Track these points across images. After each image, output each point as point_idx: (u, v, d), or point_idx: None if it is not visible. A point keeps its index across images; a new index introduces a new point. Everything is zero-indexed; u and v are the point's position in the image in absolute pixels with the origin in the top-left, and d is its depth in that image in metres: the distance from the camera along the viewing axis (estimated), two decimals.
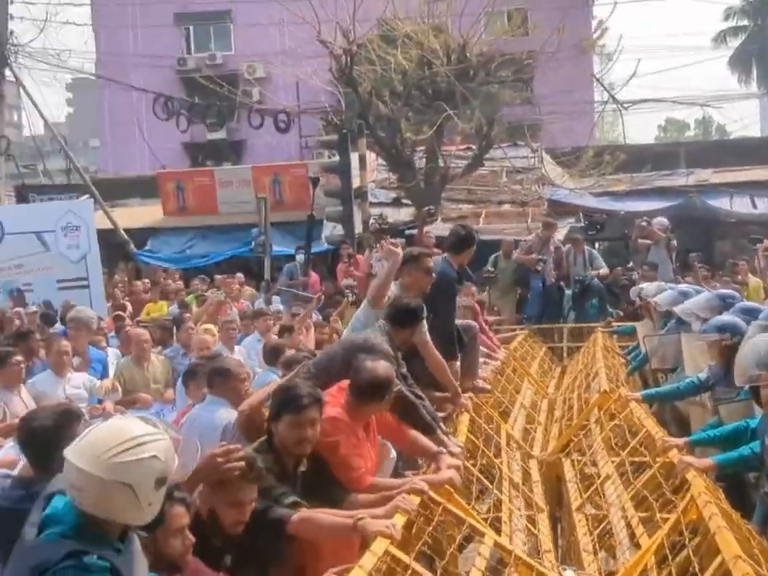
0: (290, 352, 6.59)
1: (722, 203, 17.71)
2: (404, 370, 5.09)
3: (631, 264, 13.55)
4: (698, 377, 6.01)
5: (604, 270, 12.96)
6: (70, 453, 2.47)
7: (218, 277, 13.64)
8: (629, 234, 14.59)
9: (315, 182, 14.43)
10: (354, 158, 14.99)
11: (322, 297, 10.62)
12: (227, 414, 4.74)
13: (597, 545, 4.57)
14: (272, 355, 6.76)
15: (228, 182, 19.70)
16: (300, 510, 3.48)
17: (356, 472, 3.94)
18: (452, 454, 4.49)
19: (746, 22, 45.77)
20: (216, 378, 5.02)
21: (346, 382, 4.25)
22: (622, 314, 12.51)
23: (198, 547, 3.06)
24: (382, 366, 4.24)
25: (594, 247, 15.28)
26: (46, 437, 3.23)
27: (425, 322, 5.55)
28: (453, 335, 6.35)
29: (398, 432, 4.54)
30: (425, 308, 5.36)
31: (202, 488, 3.33)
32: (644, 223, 13.03)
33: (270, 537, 3.38)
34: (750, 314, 5.71)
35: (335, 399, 4.14)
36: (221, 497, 3.27)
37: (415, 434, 4.57)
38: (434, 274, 6.02)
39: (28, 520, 2.50)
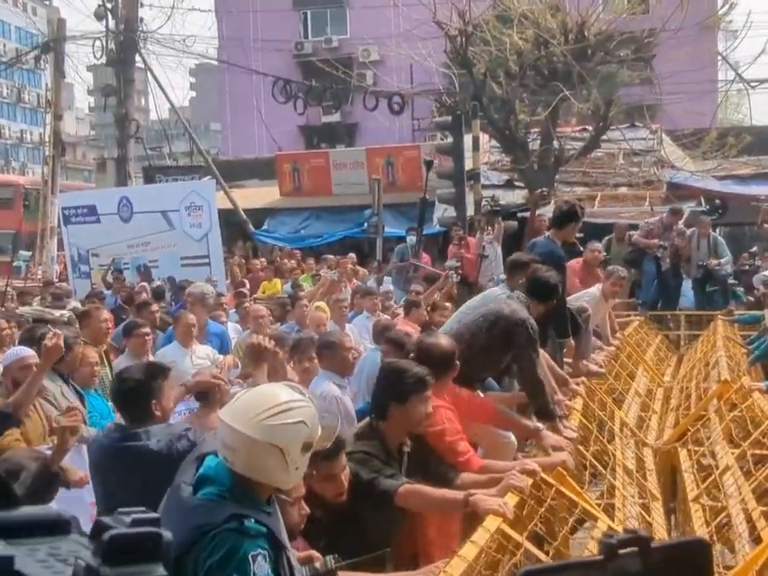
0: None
1: None
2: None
3: (755, 250, 13.01)
4: None
5: (726, 259, 12.48)
6: (224, 413, 2.58)
7: (330, 257, 13.84)
8: (754, 221, 13.99)
9: (429, 164, 14.40)
10: (468, 139, 14.88)
11: (452, 275, 10.62)
12: (331, 389, 5.02)
13: (714, 537, 4.46)
14: (381, 333, 6.85)
15: (342, 164, 19.98)
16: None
17: (463, 456, 3.95)
18: (568, 439, 4.45)
19: None
20: (324, 350, 5.28)
21: None
22: (745, 300, 12.06)
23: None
24: (443, 339, 4.32)
25: (715, 232, 14.73)
26: (134, 389, 3.64)
27: None
28: (566, 315, 6.29)
29: (481, 407, 4.53)
30: (560, 286, 5.33)
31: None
32: None
33: (377, 507, 3.41)
34: None
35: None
36: (316, 475, 3.28)
37: (503, 408, 4.56)
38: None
39: (180, 475, 2.55)
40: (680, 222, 12.83)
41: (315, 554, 2.97)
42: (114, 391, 3.91)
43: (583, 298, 7.51)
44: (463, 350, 4.46)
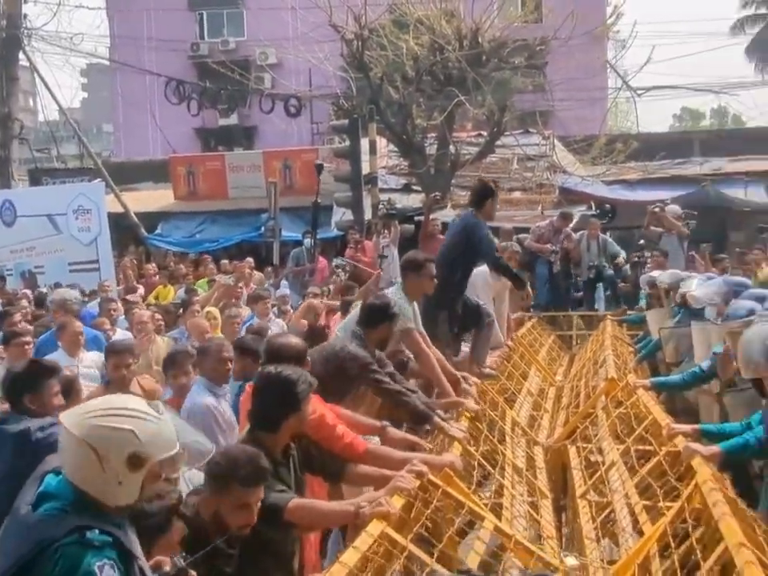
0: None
1: (736, 192, 17.54)
2: (390, 368, 5.13)
3: (642, 242, 13.34)
4: (699, 366, 5.95)
5: (622, 257, 12.84)
6: (63, 414, 2.48)
7: (224, 262, 13.60)
8: (641, 224, 14.41)
9: (320, 168, 14.39)
10: (365, 143, 14.92)
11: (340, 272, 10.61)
12: (205, 400, 4.97)
13: (600, 532, 4.53)
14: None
15: (239, 167, 19.70)
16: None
17: (346, 438, 3.92)
18: (453, 438, 4.45)
19: (764, 10, 45.33)
20: (200, 356, 5.25)
21: None
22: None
23: (200, 549, 3.03)
24: (292, 338, 4.41)
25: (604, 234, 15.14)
26: (17, 382, 4.15)
27: (405, 313, 5.62)
28: (507, 267, 7.10)
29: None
30: (391, 305, 5.33)
31: (205, 493, 3.29)
32: (656, 209, 12.90)
33: (269, 523, 3.31)
34: (760, 302, 5.63)
35: None
36: (227, 501, 3.20)
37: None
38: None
39: (21, 497, 2.46)
40: (570, 226, 13.17)
41: (164, 558, 2.86)
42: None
43: (475, 280, 7.59)
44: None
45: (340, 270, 10.81)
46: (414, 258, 6.27)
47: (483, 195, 7.01)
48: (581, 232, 13.16)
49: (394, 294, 5.93)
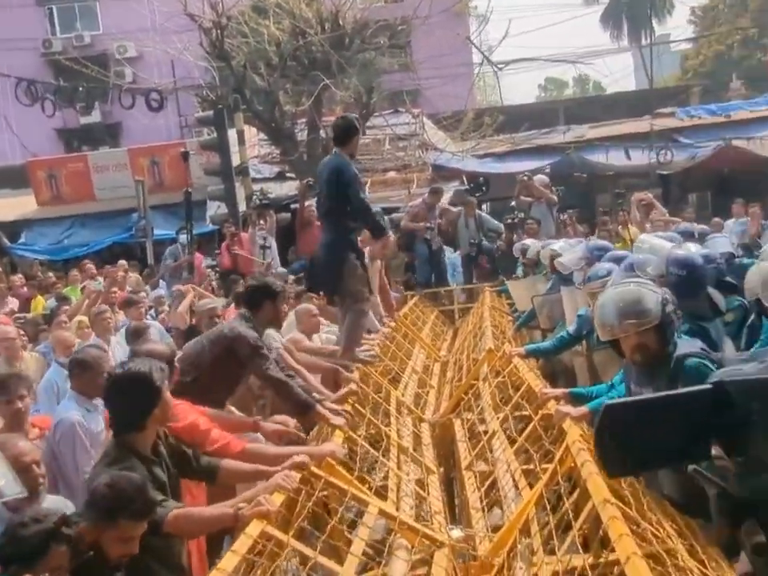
0: None
1: (598, 158, 18.19)
2: (275, 354, 5.16)
3: (513, 204, 13.61)
4: (567, 330, 6.15)
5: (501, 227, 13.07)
6: None
7: (90, 266, 13.07)
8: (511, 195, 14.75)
9: (186, 156, 14.12)
10: (233, 134, 14.66)
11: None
12: (70, 416, 4.74)
13: (484, 501, 4.63)
14: (134, 337, 6.58)
15: (104, 167, 19.05)
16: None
17: (221, 440, 3.90)
18: (334, 426, 4.45)
19: None
20: (74, 370, 4.96)
21: None
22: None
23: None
24: (159, 345, 4.44)
25: (480, 209, 15.42)
26: None
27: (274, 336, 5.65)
28: (372, 214, 6.76)
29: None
30: (270, 283, 5.33)
31: (86, 521, 3.17)
32: (525, 178, 13.24)
33: (147, 536, 3.20)
34: (618, 263, 5.85)
35: None
36: (112, 533, 3.10)
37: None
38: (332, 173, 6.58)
39: None
40: (442, 200, 13.35)
41: None
42: None
43: None
44: (190, 370, 4.52)
45: (211, 270, 10.67)
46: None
47: (347, 132, 6.79)
48: (458, 209, 13.38)
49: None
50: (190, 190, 13.68)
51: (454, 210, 13.33)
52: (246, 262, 11.85)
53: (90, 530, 3.11)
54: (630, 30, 46.40)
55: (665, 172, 17.31)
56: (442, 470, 5.98)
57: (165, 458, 3.59)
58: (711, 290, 5.07)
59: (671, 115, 20.66)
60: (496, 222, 13.32)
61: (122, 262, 13.92)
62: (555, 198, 13.09)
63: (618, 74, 60.57)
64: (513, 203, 13.36)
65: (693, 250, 5.55)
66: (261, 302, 5.15)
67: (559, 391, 4.88)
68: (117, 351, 7.08)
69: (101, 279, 11.27)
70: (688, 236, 7.46)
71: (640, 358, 3.82)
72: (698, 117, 20.35)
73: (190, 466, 3.68)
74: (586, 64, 26.07)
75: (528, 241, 10.48)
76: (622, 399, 0.95)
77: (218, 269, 11.39)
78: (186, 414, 3.85)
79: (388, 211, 12.92)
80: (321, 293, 7.75)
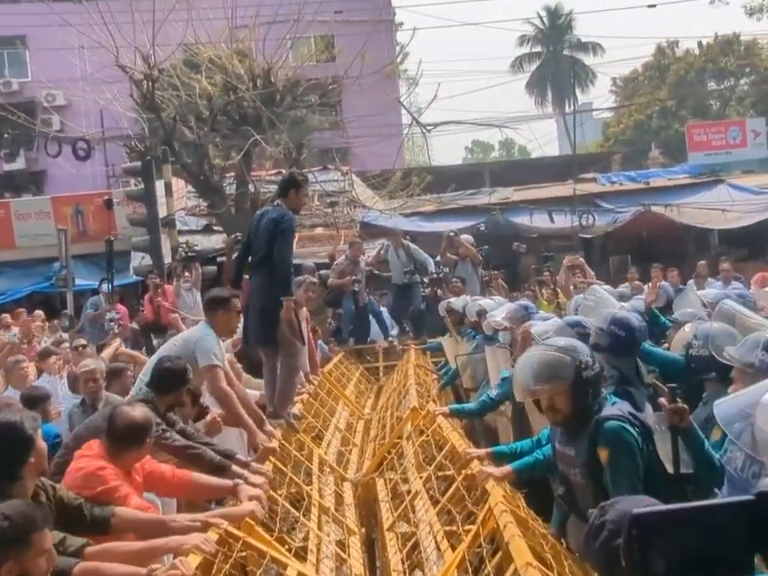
0: None
1: (522, 219, 18.62)
2: (180, 425, 5.01)
3: (438, 259, 13.73)
4: (488, 394, 6.19)
5: (432, 268, 13.07)
6: None
7: (5, 315, 12.67)
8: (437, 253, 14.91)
9: (109, 203, 13.98)
10: (160, 185, 14.55)
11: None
12: None
13: (406, 563, 4.57)
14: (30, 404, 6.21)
15: (26, 215, 18.67)
16: (84, 557, 3.25)
17: (120, 491, 3.78)
18: (253, 485, 4.35)
19: (539, 49, 48.82)
20: None
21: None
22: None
23: None
24: (139, 411, 4.16)
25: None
26: None
27: (211, 349, 5.61)
28: (290, 273, 6.78)
29: (175, 481, 4.32)
30: (187, 370, 5.19)
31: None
32: (451, 234, 13.42)
33: None
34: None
35: (94, 452, 4.03)
36: (29, 554, 2.95)
37: (197, 476, 4.40)
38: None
39: None
40: (363, 254, 13.39)
41: None
42: None
43: None
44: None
45: (114, 323, 10.55)
46: (219, 294, 6.27)
47: (286, 184, 7.02)
48: (385, 243, 13.44)
49: (202, 330, 5.85)
50: (112, 238, 13.48)
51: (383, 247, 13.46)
52: (168, 314, 11.65)
53: (10, 567, 2.97)
54: (554, 97, 48.10)
55: (587, 236, 17.80)
56: (363, 530, 5.91)
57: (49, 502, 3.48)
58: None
59: (593, 180, 21.35)
60: (425, 254, 13.31)
61: (39, 312, 13.56)
62: (480, 257, 13.29)
63: (543, 139, 62.47)
64: (438, 258, 13.51)
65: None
66: (172, 389, 5.03)
67: (482, 451, 4.88)
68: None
69: (15, 330, 10.92)
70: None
71: (553, 418, 3.89)
72: (618, 183, 21.08)
73: (80, 519, 3.54)
74: (512, 128, 26.82)
75: (453, 299, 10.56)
76: (650, 509, 0.94)
77: (120, 322, 11.19)
78: (110, 477, 3.75)
79: (320, 267, 12.95)
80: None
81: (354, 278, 12.62)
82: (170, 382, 5.03)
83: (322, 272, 12.72)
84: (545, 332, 5.54)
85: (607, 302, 6.25)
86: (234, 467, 4.62)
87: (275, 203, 7.11)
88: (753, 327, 4.60)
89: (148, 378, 5.27)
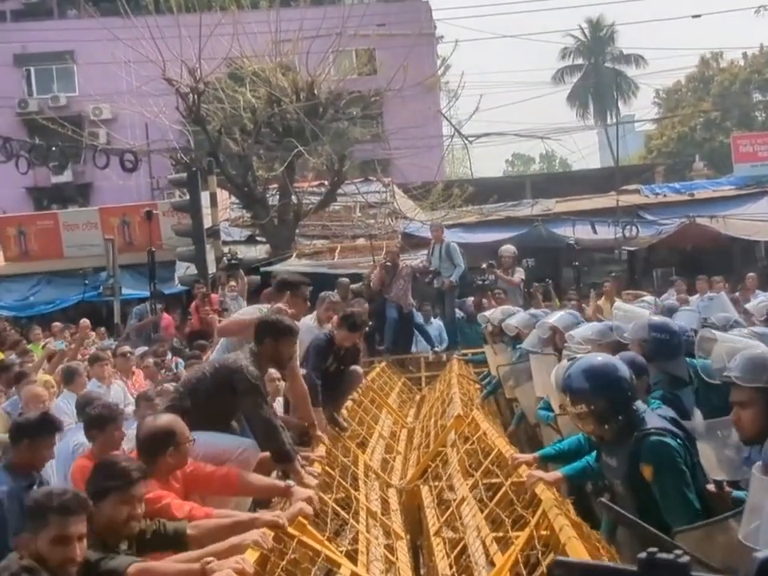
0: None
1: (565, 231, 18.50)
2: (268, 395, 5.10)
3: (485, 266, 13.70)
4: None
5: (456, 273, 12.97)
6: None
7: (56, 324, 12.92)
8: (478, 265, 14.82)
9: (149, 215, 14.23)
10: (205, 196, 14.76)
11: None
12: None
13: (454, 568, 4.58)
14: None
15: (74, 225, 19.03)
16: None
17: (184, 511, 3.78)
18: (305, 486, 4.40)
19: (581, 61, 48.61)
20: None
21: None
22: None
23: None
24: (162, 419, 4.16)
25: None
26: None
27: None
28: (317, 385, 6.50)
29: (222, 480, 4.30)
30: (280, 321, 5.29)
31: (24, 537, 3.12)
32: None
33: None
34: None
35: None
36: (43, 536, 3.03)
37: (248, 477, 4.39)
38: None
39: None
40: (404, 261, 13.35)
41: None
42: None
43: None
44: (190, 396, 4.55)
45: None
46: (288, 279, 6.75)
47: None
48: (431, 246, 13.47)
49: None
50: (153, 249, 13.71)
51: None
52: (212, 323, 11.79)
53: (27, 542, 3.06)
54: (595, 109, 47.82)
55: (631, 248, 17.65)
56: (408, 537, 5.92)
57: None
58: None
59: (636, 192, 21.16)
60: (460, 258, 13.11)
61: (85, 320, 13.80)
62: (517, 280, 13.22)
63: (584, 151, 62.19)
64: (484, 265, 13.48)
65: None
66: (263, 338, 5.11)
67: (530, 456, 4.87)
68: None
69: (63, 338, 11.13)
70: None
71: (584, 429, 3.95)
72: (662, 194, 20.86)
73: (161, 543, 3.56)
74: (554, 140, 26.67)
75: (489, 311, 10.48)
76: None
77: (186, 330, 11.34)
78: (159, 493, 3.82)
79: (356, 277, 12.98)
80: None
81: (430, 267, 12.62)
82: (260, 331, 5.13)
83: (353, 286, 12.73)
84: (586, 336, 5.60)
85: (636, 313, 6.25)
86: (296, 461, 4.69)
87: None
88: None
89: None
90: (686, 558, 0.89)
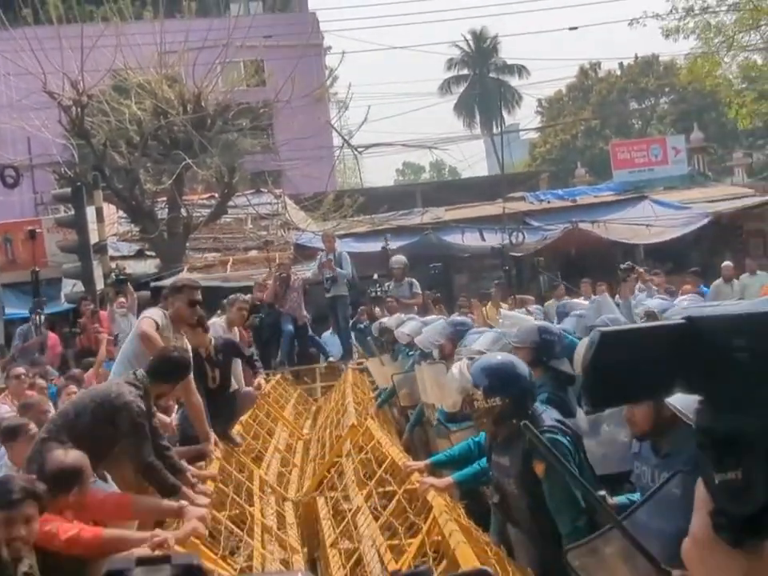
0: None
1: (455, 238, 18.90)
2: (153, 422, 5.00)
3: (376, 277, 13.83)
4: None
5: (346, 279, 13.03)
6: None
7: None
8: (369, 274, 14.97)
9: (33, 234, 13.86)
10: (91, 211, 14.39)
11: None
12: None
13: None
14: None
15: None
16: None
17: (80, 536, 3.72)
18: (198, 506, 4.39)
19: (466, 71, 49.72)
20: None
21: None
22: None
23: None
24: (71, 456, 4.06)
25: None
26: None
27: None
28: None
29: (114, 506, 4.28)
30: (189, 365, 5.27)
31: None
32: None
33: None
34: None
35: None
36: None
37: (140, 499, 4.38)
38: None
39: None
40: (295, 273, 13.36)
41: None
42: None
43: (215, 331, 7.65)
44: (68, 430, 4.37)
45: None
46: (174, 282, 6.52)
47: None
48: (320, 257, 13.50)
49: None
50: (37, 269, 13.32)
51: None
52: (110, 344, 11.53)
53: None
54: (482, 118, 48.96)
55: (517, 253, 18.17)
56: (305, 550, 5.97)
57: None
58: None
59: (522, 199, 21.82)
60: (349, 268, 13.15)
61: None
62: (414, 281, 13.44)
63: (472, 159, 63.54)
64: (376, 276, 13.64)
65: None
66: (170, 378, 5.10)
67: (422, 463, 4.98)
68: None
69: None
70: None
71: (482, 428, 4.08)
72: (546, 201, 21.60)
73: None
74: (442, 149, 27.20)
75: (385, 320, 10.66)
76: (618, 327, 0.99)
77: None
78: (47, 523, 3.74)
79: (250, 289, 12.87)
80: None
81: (329, 274, 12.60)
82: (174, 371, 5.06)
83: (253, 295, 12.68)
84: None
85: (522, 319, 6.54)
86: (184, 489, 4.64)
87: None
88: None
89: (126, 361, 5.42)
90: (424, 567, 1.01)
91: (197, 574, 1.01)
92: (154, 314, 5.98)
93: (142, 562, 1.03)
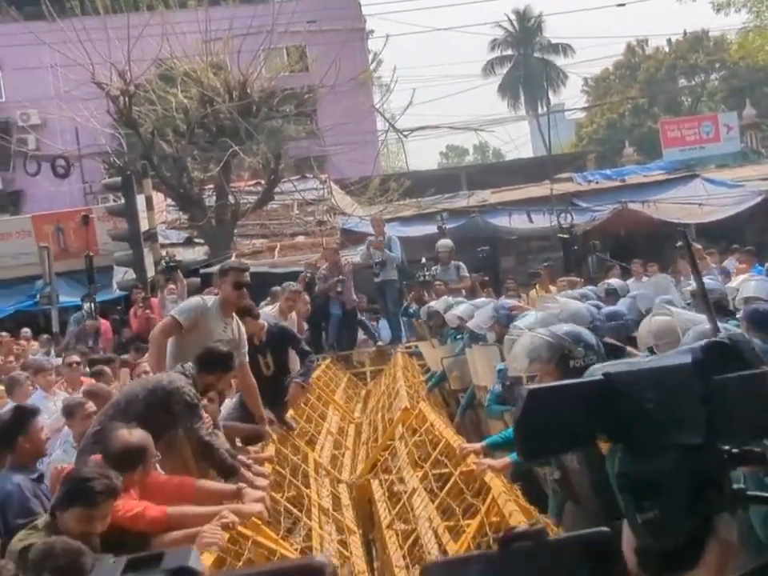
0: None
1: (501, 221, 18.74)
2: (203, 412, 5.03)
3: (424, 261, 13.80)
4: (492, 392, 6.20)
5: (395, 263, 13.04)
6: None
7: None
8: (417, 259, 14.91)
9: (86, 219, 14.00)
10: (141, 199, 14.57)
11: None
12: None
13: (408, 559, 4.66)
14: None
15: (6, 234, 18.57)
16: None
17: (144, 514, 3.78)
18: (256, 488, 4.43)
19: (510, 52, 49.19)
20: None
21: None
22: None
23: None
24: (136, 434, 4.09)
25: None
26: None
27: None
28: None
29: (177, 489, 4.31)
30: (231, 356, 5.30)
31: None
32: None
33: None
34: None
35: None
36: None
37: (202, 483, 4.42)
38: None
39: None
40: (343, 257, 13.39)
41: None
42: None
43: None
44: (120, 419, 4.41)
45: None
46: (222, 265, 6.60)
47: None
48: (367, 242, 13.50)
49: None
50: (91, 254, 13.48)
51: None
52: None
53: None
54: (526, 99, 48.45)
55: (565, 235, 17.97)
56: (360, 531, 5.99)
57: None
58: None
59: (569, 180, 21.53)
60: (398, 252, 13.26)
61: (25, 330, 13.54)
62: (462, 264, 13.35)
63: (517, 141, 62.99)
64: (424, 260, 13.59)
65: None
66: (214, 369, 5.10)
67: (478, 445, 4.96)
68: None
69: None
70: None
71: None
72: (594, 181, 21.28)
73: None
74: (488, 131, 26.97)
75: (433, 303, 10.60)
76: (543, 385, 1.02)
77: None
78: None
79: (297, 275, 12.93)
80: None
81: (337, 278, 12.58)
82: (216, 363, 5.09)
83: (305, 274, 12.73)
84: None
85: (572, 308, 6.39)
86: (242, 471, 4.68)
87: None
88: None
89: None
90: (540, 525, 1.03)
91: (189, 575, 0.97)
92: (193, 303, 6.03)
93: (132, 563, 0.99)
